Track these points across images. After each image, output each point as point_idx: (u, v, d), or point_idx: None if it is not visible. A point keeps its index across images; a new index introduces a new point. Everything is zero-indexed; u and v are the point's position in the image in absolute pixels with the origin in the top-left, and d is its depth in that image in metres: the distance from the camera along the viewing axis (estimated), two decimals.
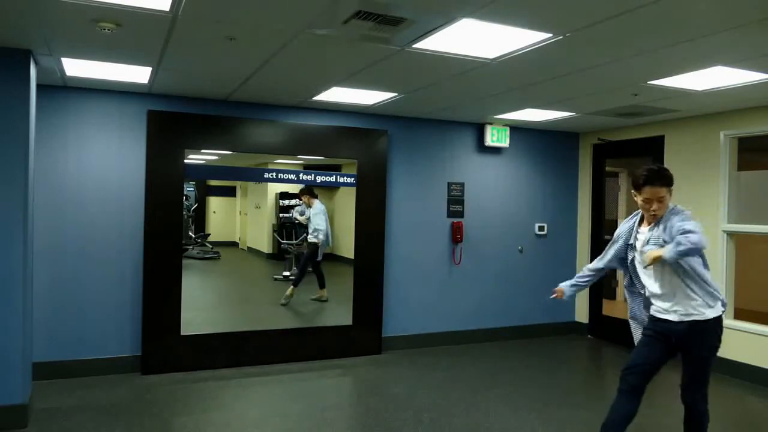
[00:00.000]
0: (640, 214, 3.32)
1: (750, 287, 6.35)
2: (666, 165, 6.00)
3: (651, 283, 3.22)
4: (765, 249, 6.89)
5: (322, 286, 6.84)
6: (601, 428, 3.21)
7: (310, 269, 7.06)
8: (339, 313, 5.96)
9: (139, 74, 4.41)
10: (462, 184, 6.44)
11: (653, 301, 3.25)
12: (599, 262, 3.52)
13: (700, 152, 5.67)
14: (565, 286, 3.63)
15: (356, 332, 5.83)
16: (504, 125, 6.48)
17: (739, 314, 5.52)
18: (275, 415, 4.24)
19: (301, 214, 7.11)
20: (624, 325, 6.59)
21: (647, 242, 3.18)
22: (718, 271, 5.49)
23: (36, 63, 4.05)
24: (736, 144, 5.49)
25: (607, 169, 7.12)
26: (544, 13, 2.91)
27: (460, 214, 6.42)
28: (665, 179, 3.12)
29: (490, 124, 6.41)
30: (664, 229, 3.11)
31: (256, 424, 4.06)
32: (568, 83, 4.37)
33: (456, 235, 6.35)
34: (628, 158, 7.65)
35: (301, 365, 5.44)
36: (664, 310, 3.19)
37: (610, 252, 3.43)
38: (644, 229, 3.25)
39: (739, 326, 5.32)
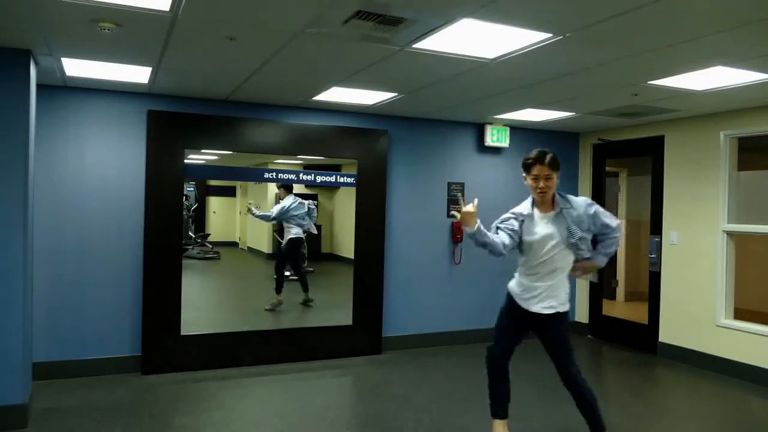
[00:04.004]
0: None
1: (750, 287, 6.35)
2: (666, 165, 6.04)
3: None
4: (765, 249, 6.90)
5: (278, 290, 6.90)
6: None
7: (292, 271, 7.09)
8: (339, 313, 5.96)
9: (139, 74, 4.41)
10: (462, 184, 6.44)
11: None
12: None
13: (700, 152, 5.67)
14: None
15: (356, 332, 5.83)
16: (504, 125, 6.48)
17: (739, 314, 5.52)
18: (275, 415, 4.24)
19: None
20: (624, 325, 6.63)
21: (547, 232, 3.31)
22: (717, 271, 5.50)
23: (36, 63, 4.05)
24: (736, 144, 5.49)
25: (607, 169, 7.12)
26: (544, 13, 2.91)
27: None
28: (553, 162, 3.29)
29: (490, 124, 6.41)
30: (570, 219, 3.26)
31: (256, 424, 4.06)
32: (568, 83, 4.37)
33: (456, 235, 6.35)
34: (628, 158, 7.67)
35: (301, 365, 5.44)
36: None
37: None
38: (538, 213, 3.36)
39: (739, 326, 5.33)
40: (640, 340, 6.29)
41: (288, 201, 7.02)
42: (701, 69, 3.92)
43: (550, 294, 3.31)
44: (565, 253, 3.31)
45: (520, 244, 3.40)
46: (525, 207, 3.42)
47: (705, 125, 5.63)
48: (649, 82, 4.32)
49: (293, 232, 7.01)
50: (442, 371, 5.42)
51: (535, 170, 3.29)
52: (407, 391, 4.80)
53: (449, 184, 6.38)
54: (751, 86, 4.35)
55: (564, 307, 3.35)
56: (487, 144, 6.39)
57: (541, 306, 3.32)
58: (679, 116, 5.73)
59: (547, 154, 3.29)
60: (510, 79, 4.30)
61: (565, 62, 3.80)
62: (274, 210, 7.11)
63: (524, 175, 3.38)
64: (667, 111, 5.44)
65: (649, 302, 6.22)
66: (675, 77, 4.14)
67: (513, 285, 3.50)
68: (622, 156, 7.03)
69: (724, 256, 5.45)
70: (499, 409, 3.55)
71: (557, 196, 3.34)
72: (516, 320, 3.47)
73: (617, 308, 7.74)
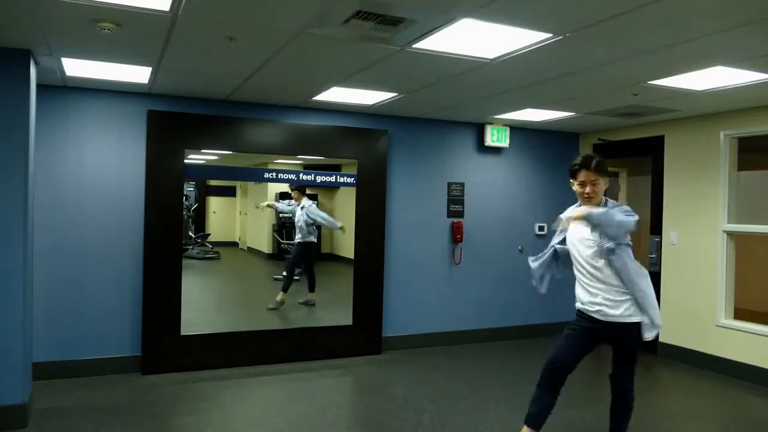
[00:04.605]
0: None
1: (750, 287, 6.35)
2: (666, 165, 6.04)
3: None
4: (765, 249, 6.89)
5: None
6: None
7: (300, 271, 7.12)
8: (339, 313, 5.96)
9: (139, 74, 4.41)
10: (462, 184, 6.44)
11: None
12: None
13: (700, 152, 5.67)
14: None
15: (356, 332, 5.83)
16: (504, 125, 6.48)
17: (739, 314, 5.52)
18: (275, 415, 4.24)
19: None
20: None
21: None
22: (717, 271, 5.50)
23: (36, 63, 4.05)
24: (736, 144, 5.49)
25: (607, 169, 7.10)
26: (544, 13, 2.91)
27: (460, 214, 6.42)
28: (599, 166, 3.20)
29: (490, 124, 6.41)
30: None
31: (256, 424, 4.06)
32: (568, 83, 4.37)
33: (456, 235, 6.35)
34: (628, 158, 7.66)
35: (301, 365, 5.45)
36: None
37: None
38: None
39: (739, 326, 5.33)
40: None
41: (307, 203, 7.02)
42: (701, 69, 3.92)
43: (604, 299, 3.17)
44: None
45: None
46: (564, 215, 3.41)
47: (705, 125, 5.63)
48: (649, 82, 4.32)
49: (313, 234, 7.05)
50: (442, 371, 5.42)
51: (582, 176, 3.19)
52: (407, 391, 4.80)
53: (449, 184, 6.38)
54: (751, 86, 4.35)
55: (626, 318, 3.13)
56: (487, 144, 6.39)
57: (593, 311, 3.22)
58: (679, 116, 5.73)
59: (593, 158, 3.19)
60: (510, 79, 4.30)
61: (565, 62, 3.80)
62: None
63: (571, 180, 3.29)
64: (667, 111, 5.44)
65: None
66: (675, 77, 4.15)
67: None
68: (622, 156, 7.03)
69: (724, 256, 5.45)
70: (535, 418, 3.32)
71: (604, 203, 3.24)
72: (580, 328, 3.33)
73: None
